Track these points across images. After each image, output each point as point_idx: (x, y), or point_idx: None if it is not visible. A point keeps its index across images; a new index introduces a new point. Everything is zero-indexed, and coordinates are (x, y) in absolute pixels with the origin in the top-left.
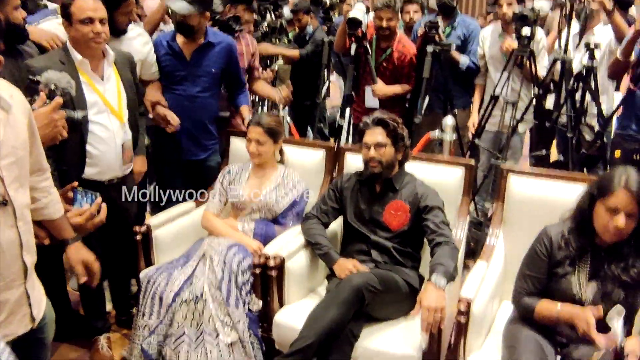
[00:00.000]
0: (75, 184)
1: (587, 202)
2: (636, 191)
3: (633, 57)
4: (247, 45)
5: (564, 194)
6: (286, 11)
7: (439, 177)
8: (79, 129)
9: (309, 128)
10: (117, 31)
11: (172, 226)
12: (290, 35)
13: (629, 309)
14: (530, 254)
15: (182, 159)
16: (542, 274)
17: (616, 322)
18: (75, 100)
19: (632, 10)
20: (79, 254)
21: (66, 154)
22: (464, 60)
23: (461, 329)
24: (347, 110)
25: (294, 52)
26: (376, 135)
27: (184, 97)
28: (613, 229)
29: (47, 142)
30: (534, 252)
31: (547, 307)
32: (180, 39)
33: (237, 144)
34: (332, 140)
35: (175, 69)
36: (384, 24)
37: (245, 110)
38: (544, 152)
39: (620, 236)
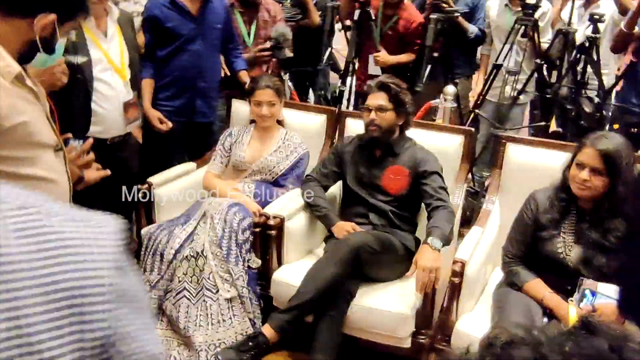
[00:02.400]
0: (70, 135)
1: (567, 164)
2: (603, 149)
3: (637, 29)
4: (267, 10)
5: (560, 162)
6: None
7: (438, 144)
8: (81, 77)
9: (310, 94)
10: None
11: (173, 185)
12: None
13: (611, 272)
14: (517, 218)
15: (193, 121)
16: (527, 237)
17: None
18: (77, 46)
19: None
20: (94, 175)
21: (73, 113)
22: (472, 29)
23: (455, 290)
24: (348, 77)
25: (317, 18)
26: (378, 99)
27: (199, 56)
28: (578, 180)
29: (46, 88)
30: (520, 216)
31: (535, 289)
32: None
33: (237, 107)
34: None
35: (184, 27)
36: None
37: (245, 75)
38: (543, 123)
39: (588, 191)
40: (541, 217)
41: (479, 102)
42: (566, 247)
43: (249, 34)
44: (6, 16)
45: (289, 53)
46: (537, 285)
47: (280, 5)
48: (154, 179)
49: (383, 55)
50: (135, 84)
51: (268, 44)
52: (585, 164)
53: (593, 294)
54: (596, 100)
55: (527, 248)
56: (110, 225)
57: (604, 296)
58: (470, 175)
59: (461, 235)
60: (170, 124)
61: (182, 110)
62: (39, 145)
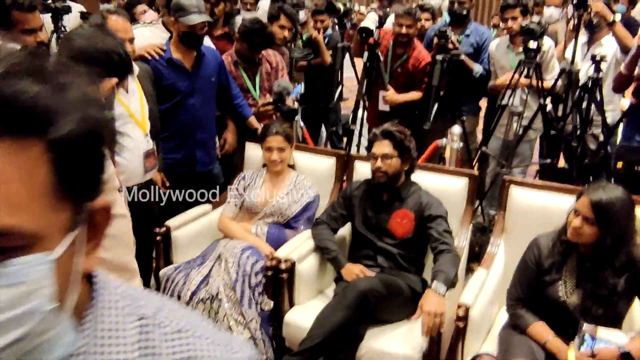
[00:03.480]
0: None
1: (571, 209)
2: (595, 200)
3: (637, 71)
4: (268, 61)
5: (563, 205)
6: (301, 15)
7: (443, 187)
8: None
9: (322, 131)
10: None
11: (189, 227)
12: (305, 37)
13: (611, 321)
14: (520, 262)
15: (195, 171)
16: (531, 281)
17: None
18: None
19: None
20: None
21: None
22: (477, 68)
23: (460, 333)
24: (359, 114)
25: (328, 57)
26: (383, 147)
27: (196, 109)
28: (571, 226)
29: None
30: (523, 261)
31: (539, 333)
32: (177, 53)
33: (251, 150)
34: (344, 139)
35: (181, 83)
36: (403, 30)
37: (255, 121)
38: (548, 160)
39: (579, 238)
40: (544, 262)
41: (485, 138)
42: (567, 291)
43: (254, 87)
44: None
45: (292, 105)
46: (540, 329)
47: (292, 45)
48: (171, 222)
49: (391, 95)
50: (155, 135)
51: (270, 98)
52: (579, 211)
53: (593, 338)
54: (601, 137)
55: (531, 291)
56: (245, 350)
57: (604, 341)
58: (480, 210)
59: (470, 270)
60: (166, 186)
61: (184, 161)
62: (114, 189)
